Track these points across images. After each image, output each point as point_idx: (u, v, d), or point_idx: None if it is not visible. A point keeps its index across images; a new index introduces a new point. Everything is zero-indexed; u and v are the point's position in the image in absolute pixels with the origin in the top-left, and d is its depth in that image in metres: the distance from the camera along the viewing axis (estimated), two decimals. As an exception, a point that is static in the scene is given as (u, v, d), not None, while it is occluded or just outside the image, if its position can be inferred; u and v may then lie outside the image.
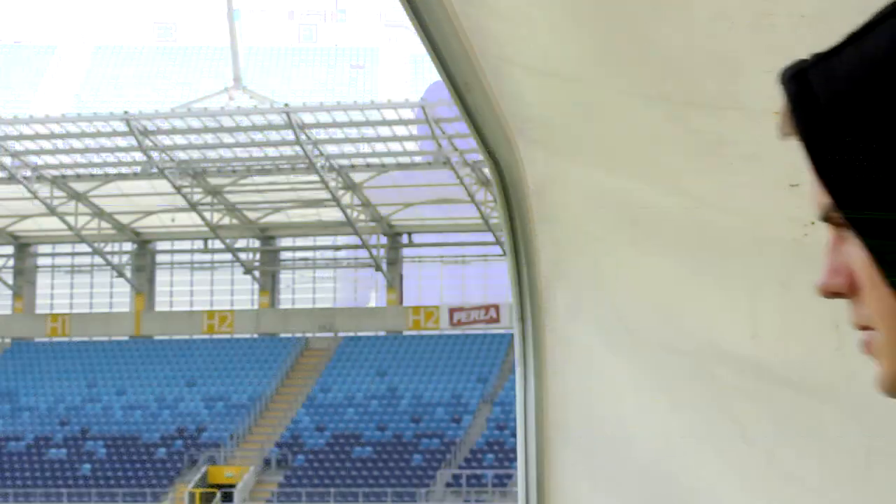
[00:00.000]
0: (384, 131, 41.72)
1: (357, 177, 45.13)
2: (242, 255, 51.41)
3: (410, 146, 43.09)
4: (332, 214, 47.38)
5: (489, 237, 48.68)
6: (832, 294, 0.97)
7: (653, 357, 2.58)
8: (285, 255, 53.57)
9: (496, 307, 50.02)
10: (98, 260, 51.70)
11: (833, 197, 0.93)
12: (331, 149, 43.05)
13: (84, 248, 51.00)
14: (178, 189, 44.27)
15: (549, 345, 2.73)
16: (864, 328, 0.96)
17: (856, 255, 0.93)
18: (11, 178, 43.70)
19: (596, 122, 2.43)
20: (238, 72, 47.76)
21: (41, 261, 54.26)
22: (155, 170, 43.43)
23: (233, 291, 53.31)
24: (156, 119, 41.49)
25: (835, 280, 0.96)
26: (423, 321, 51.01)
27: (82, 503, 43.56)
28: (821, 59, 0.96)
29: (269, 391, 48.97)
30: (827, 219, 0.96)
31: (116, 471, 44.95)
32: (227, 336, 52.29)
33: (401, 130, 41.61)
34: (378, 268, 51.16)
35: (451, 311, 50.55)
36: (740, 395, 2.58)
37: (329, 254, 53.10)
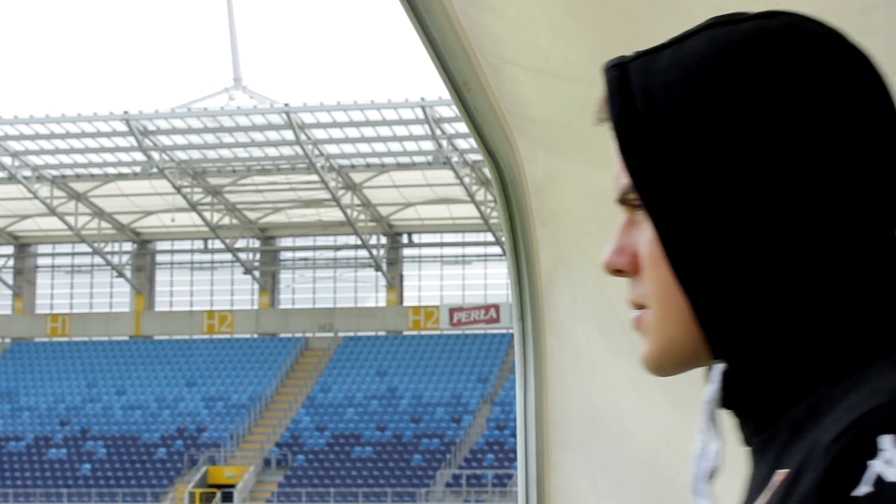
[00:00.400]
0: (384, 131, 41.72)
1: (357, 177, 45.13)
2: (242, 255, 51.41)
3: (410, 146, 43.09)
4: (332, 214, 47.38)
5: (489, 237, 48.69)
6: (615, 272, 1.04)
7: (653, 357, 2.57)
8: (285, 255, 53.58)
9: (496, 307, 50.03)
10: (98, 260, 51.69)
11: (633, 179, 1.00)
12: (331, 149, 43.04)
13: (84, 248, 51.00)
14: (178, 189, 44.27)
15: (549, 345, 2.73)
16: (639, 306, 1.03)
17: (643, 236, 1.01)
18: (11, 178, 43.71)
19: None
20: (238, 72, 47.73)
21: (41, 261, 54.26)
22: (155, 170, 43.42)
23: (233, 291, 53.32)
24: (156, 119, 41.47)
25: (618, 259, 1.03)
26: (423, 321, 51.00)
27: (82, 503, 43.56)
28: (642, 55, 1.05)
29: (269, 391, 48.98)
30: (622, 200, 1.03)
31: (116, 471, 44.95)
32: (227, 336, 52.29)
33: (401, 130, 41.61)
34: (378, 268, 51.17)
35: (451, 311, 50.55)
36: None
37: (329, 254, 53.10)
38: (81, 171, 45.05)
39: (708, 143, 0.98)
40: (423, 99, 39.11)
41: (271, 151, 43.60)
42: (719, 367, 1.00)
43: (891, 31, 2.21)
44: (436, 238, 52.43)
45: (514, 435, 38.46)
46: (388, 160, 43.93)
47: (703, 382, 1.07)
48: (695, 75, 1.00)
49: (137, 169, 44.38)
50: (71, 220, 46.97)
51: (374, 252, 50.43)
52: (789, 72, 0.98)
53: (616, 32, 2.10)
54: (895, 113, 1.01)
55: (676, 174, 0.99)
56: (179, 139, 42.80)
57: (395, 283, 52.09)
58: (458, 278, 52.49)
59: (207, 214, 46.94)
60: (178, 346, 52.05)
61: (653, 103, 1.01)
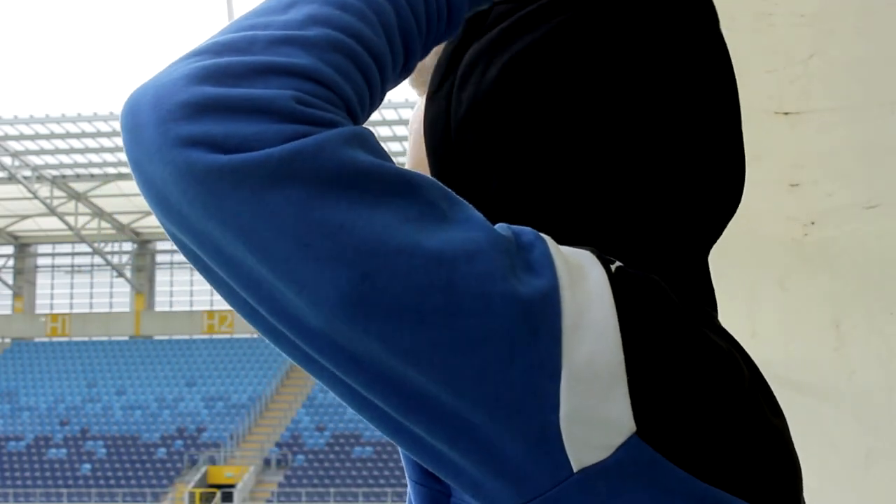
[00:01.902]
0: (384, 131, 41.76)
1: (357, 177, 45.17)
2: (242, 255, 51.37)
3: (410, 146, 43.13)
4: (332, 214, 47.35)
5: (489, 237, 48.57)
6: None
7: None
8: (285, 255, 53.53)
9: (496, 307, 49.99)
10: (98, 260, 51.70)
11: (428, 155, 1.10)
12: (331, 149, 43.07)
13: (84, 248, 51.00)
14: (178, 189, 44.29)
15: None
16: None
17: None
18: (11, 178, 43.73)
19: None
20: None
21: (41, 261, 54.28)
22: (155, 170, 43.42)
23: (233, 291, 53.26)
24: (156, 119, 41.47)
25: None
26: (423, 321, 51.06)
27: (82, 503, 43.59)
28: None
29: (269, 391, 49.01)
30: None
31: (116, 471, 44.98)
32: (227, 336, 52.31)
33: (401, 130, 41.66)
34: (378, 268, 51.20)
35: (451, 311, 50.58)
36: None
37: (329, 254, 53.07)
38: (81, 171, 45.06)
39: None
40: (423, 99, 39.14)
41: (271, 151, 43.65)
42: None
43: (891, 31, 2.21)
44: (436, 238, 52.49)
45: (514, 435, 38.15)
46: (388, 160, 43.96)
47: None
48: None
49: (137, 169, 44.39)
50: (71, 220, 46.98)
51: (374, 252, 50.47)
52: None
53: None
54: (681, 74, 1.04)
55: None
56: (179, 139, 42.81)
57: (395, 283, 52.12)
58: (458, 278, 52.56)
59: (207, 214, 46.94)
60: (178, 346, 52.07)
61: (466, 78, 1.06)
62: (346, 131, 0.85)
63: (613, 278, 0.90)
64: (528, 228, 0.91)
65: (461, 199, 0.90)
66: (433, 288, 0.83)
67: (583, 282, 0.88)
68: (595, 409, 0.85)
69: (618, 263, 0.92)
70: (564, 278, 0.87)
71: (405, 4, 0.93)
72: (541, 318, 0.85)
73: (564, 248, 0.91)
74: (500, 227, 0.90)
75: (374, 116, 40.56)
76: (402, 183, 0.86)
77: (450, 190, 0.90)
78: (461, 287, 0.83)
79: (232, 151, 0.82)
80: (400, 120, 40.77)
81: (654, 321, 0.89)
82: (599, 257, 0.92)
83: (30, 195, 44.80)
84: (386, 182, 0.85)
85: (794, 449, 1.00)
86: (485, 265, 0.84)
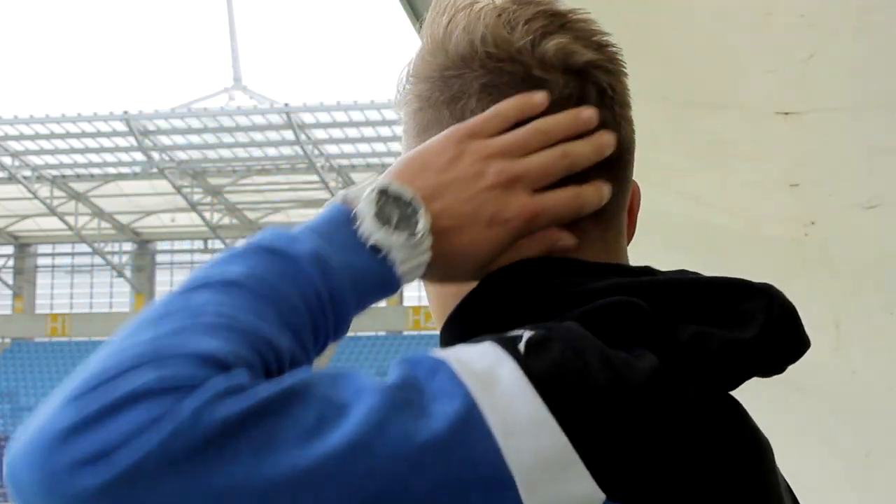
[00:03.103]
0: (384, 131, 41.74)
1: (357, 177, 45.12)
2: (242, 255, 51.22)
3: (410, 146, 43.10)
4: (332, 214, 47.22)
5: (489, 237, 48.42)
6: None
7: (653, 357, 2.57)
8: (285, 255, 53.39)
9: (496, 307, 49.88)
10: (98, 260, 51.66)
11: None
12: (331, 149, 43.03)
13: (84, 248, 50.96)
14: (178, 189, 44.26)
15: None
16: None
17: None
18: (11, 178, 43.70)
19: (596, 122, 2.43)
20: (238, 72, 47.73)
21: (41, 261, 54.25)
22: (155, 170, 43.41)
23: (233, 291, 53.14)
24: (156, 119, 41.44)
25: None
26: (422, 321, 51.01)
27: (82, 503, 43.58)
28: None
29: (269, 391, 48.96)
30: None
31: (116, 471, 44.96)
32: (227, 336, 52.22)
33: (401, 130, 41.60)
34: (378, 268, 51.11)
35: (451, 311, 50.50)
36: (739, 396, 2.56)
37: (329, 254, 52.93)
38: (81, 171, 45.02)
39: None
40: (423, 99, 39.06)
41: (271, 151, 43.61)
42: None
43: (891, 31, 2.21)
44: (436, 238, 52.37)
45: (514, 435, 37.98)
46: (389, 160, 43.89)
47: None
48: None
49: (137, 169, 44.35)
50: (71, 220, 46.95)
51: (374, 252, 50.35)
52: None
53: (616, 32, 2.10)
54: None
55: None
56: (179, 139, 42.79)
57: (395, 283, 52.04)
58: (458, 278, 52.47)
59: (207, 214, 46.92)
60: (178, 346, 51.99)
61: None
62: (218, 387, 0.83)
63: (526, 364, 0.89)
64: (426, 356, 0.91)
65: (346, 371, 0.91)
66: (359, 480, 0.82)
67: (497, 384, 0.88)
68: (560, 494, 0.86)
69: (526, 335, 0.92)
70: (478, 391, 0.87)
71: (287, 304, 0.97)
72: (471, 444, 0.85)
73: (465, 353, 0.91)
74: (398, 363, 0.91)
75: (374, 116, 40.56)
76: (287, 399, 0.85)
77: (333, 367, 0.91)
78: (382, 465, 0.83)
79: (113, 457, 0.80)
80: (400, 120, 40.66)
81: (582, 385, 0.89)
82: (502, 342, 0.92)
83: (30, 195, 44.77)
84: (270, 411, 0.84)
85: (761, 439, 1.02)
86: (395, 430, 0.84)
